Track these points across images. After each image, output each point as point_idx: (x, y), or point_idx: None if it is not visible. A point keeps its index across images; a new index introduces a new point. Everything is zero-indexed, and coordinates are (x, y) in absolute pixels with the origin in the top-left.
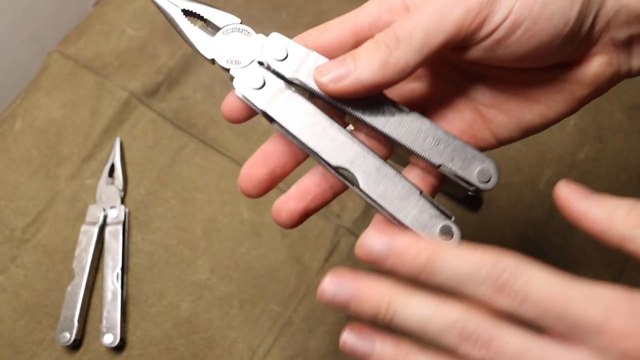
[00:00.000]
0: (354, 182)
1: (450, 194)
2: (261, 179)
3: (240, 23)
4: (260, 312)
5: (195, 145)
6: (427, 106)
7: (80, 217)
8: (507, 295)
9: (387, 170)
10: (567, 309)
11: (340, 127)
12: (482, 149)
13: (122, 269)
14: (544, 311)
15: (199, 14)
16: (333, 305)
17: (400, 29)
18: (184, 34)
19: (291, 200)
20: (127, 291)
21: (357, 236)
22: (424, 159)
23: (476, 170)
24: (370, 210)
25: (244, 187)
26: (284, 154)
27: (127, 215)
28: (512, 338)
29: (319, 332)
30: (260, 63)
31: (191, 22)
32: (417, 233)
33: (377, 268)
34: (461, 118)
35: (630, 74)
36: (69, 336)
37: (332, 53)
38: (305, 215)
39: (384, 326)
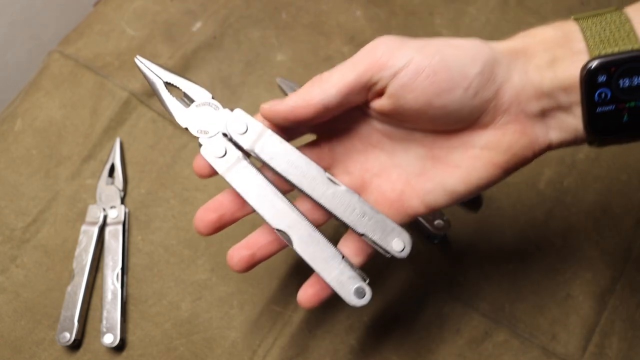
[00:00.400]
0: (290, 243)
1: None
2: (211, 221)
3: (212, 98)
4: (260, 312)
5: (195, 145)
6: (366, 178)
7: (80, 217)
8: None
9: (318, 236)
10: None
11: (284, 197)
12: (413, 216)
13: (122, 269)
14: None
15: (178, 86)
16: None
17: (326, 72)
18: (164, 102)
19: (242, 248)
20: (127, 291)
21: None
22: (351, 228)
23: (393, 241)
24: None
25: (197, 226)
26: (233, 205)
27: (127, 215)
28: None
29: (319, 332)
30: (224, 134)
31: (170, 93)
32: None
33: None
34: (393, 189)
35: (551, 147)
36: (69, 336)
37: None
38: (253, 262)
39: None
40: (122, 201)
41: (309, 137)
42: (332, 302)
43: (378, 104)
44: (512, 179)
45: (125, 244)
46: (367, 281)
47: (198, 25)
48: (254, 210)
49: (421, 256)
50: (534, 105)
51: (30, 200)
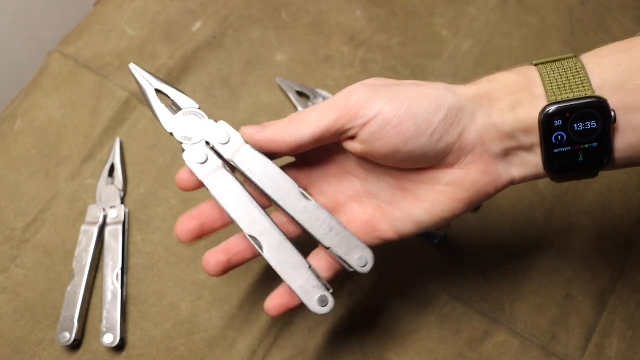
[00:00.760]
0: (261, 248)
1: None
2: (192, 229)
3: (199, 108)
4: (260, 312)
5: None
6: (340, 200)
7: (80, 217)
8: None
9: (287, 245)
10: None
11: (258, 205)
12: (383, 240)
13: (122, 269)
14: None
15: (167, 95)
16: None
17: (303, 112)
18: (153, 108)
19: (219, 253)
20: (127, 291)
21: None
22: (318, 241)
23: (356, 257)
24: None
25: (178, 233)
26: (213, 214)
27: (127, 215)
28: None
29: (319, 332)
30: (207, 143)
31: (160, 100)
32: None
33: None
34: (364, 212)
35: (513, 182)
36: (69, 336)
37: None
38: (228, 267)
39: None
40: (122, 201)
41: (289, 158)
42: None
43: (350, 146)
44: None
45: (125, 244)
46: (331, 291)
47: (198, 25)
48: (232, 220)
49: (421, 256)
50: (497, 145)
51: (30, 200)
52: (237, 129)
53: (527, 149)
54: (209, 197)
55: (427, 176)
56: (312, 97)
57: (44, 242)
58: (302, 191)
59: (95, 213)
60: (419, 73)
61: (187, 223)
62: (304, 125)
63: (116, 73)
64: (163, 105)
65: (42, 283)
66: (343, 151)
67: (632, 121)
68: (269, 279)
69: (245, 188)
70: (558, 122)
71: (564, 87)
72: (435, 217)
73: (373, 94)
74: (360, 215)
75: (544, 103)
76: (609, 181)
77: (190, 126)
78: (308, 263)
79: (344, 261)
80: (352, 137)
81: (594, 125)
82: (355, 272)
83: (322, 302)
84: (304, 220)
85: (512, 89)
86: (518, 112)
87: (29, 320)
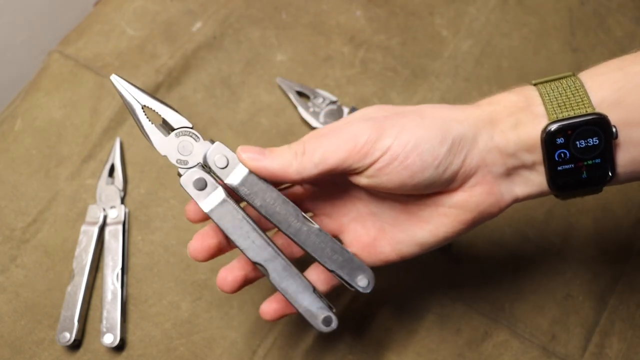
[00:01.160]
0: (267, 274)
1: None
2: (210, 245)
3: (192, 128)
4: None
5: None
6: (344, 222)
7: (80, 217)
8: None
9: (291, 270)
10: None
11: (261, 232)
12: (384, 262)
13: (122, 269)
14: None
15: (156, 111)
16: None
17: (309, 144)
18: (142, 128)
19: (235, 269)
20: (127, 291)
21: None
22: (322, 264)
23: (358, 278)
24: None
25: (192, 251)
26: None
27: (127, 215)
28: None
29: (319, 332)
30: (204, 166)
31: (149, 118)
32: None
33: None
34: (367, 234)
35: (517, 200)
36: (68, 336)
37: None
38: (245, 282)
39: None
40: (122, 201)
41: None
42: (332, 302)
43: (355, 180)
44: None
45: (125, 244)
46: (334, 310)
47: (198, 25)
48: (236, 246)
49: (421, 256)
50: (499, 165)
51: (30, 200)
52: (237, 129)
53: (530, 167)
54: None
55: (431, 199)
56: (312, 97)
57: (44, 242)
58: (304, 215)
59: (95, 213)
60: (419, 73)
61: (203, 240)
62: (310, 163)
63: (116, 73)
64: (153, 125)
65: (42, 283)
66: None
67: (632, 136)
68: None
69: (247, 214)
70: (560, 140)
71: (564, 105)
72: (438, 238)
73: (380, 131)
74: (363, 237)
75: (545, 121)
76: None
77: (185, 148)
78: (312, 285)
79: (347, 282)
80: (358, 173)
81: (595, 141)
82: None
83: (327, 322)
84: (308, 245)
85: (512, 109)
86: (519, 131)
87: (29, 320)
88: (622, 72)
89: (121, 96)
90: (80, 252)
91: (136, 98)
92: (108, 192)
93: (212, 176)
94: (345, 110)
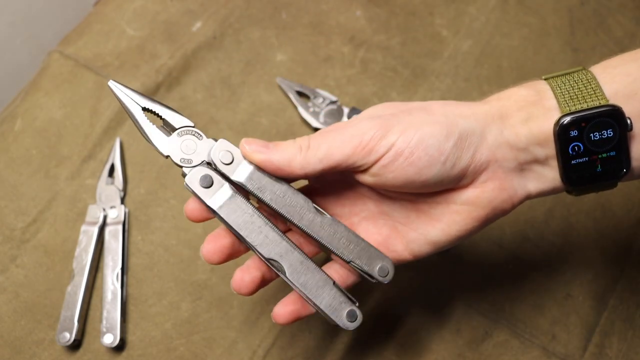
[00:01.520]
0: (282, 272)
1: None
2: (224, 245)
3: (194, 127)
4: (260, 312)
5: None
6: (355, 221)
7: (80, 217)
8: None
9: (309, 264)
10: None
11: (273, 226)
12: (398, 260)
13: (122, 269)
14: None
15: (157, 113)
16: None
17: (314, 140)
18: (142, 130)
19: (251, 268)
20: (127, 291)
21: None
22: (338, 255)
23: (377, 267)
24: None
25: (205, 254)
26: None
27: (127, 215)
28: None
29: (319, 333)
30: (209, 163)
31: (150, 120)
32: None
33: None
34: (379, 232)
35: (530, 196)
36: (68, 336)
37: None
38: (262, 282)
39: None
40: (122, 201)
41: (302, 181)
42: None
43: (361, 178)
44: None
45: (125, 244)
46: (357, 304)
47: (198, 25)
48: (247, 245)
49: None
50: (511, 161)
51: (30, 200)
52: (237, 129)
53: (542, 162)
54: None
55: (442, 197)
56: (312, 97)
57: (44, 242)
58: (316, 206)
59: (95, 213)
60: (419, 73)
61: (216, 242)
62: (314, 158)
63: (116, 73)
64: (154, 126)
65: (42, 283)
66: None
67: None
68: None
69: (257, 209)
70: (574, 133)
71: (577, 97)
72: (450, 236)
73: (386, 129)
74: (375, 236)
75: (557, 115)
76: None
77: (188, 147)
78: (332, 279)
79: (366, 272)
80: (363, 171)
81: (610, 133)
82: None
83: (351, 317)
84: (322, 236)
85: (522, 103)
86: (531, 125)
87: (29, 320)
88: (636, 64)
89: (120, 101)
90: (80, 252)
91: (135, 101)
92: (108, 192)
93: (217, 173)
94: (345, 110)
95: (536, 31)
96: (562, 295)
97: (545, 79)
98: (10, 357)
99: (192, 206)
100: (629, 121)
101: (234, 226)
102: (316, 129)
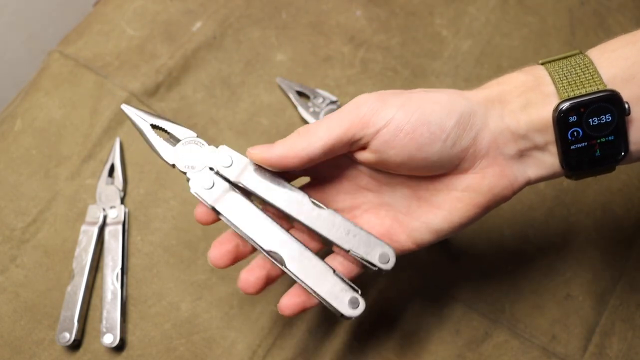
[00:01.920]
0: (282, 263)
1: None
2: (229, 249)
3: (197, 137)
4: (260, 312)
5: None
6: (357, 214)
7: (80, 217)
8: None
9: (308, 254)
10: None
11: (272, 220)
12: (401, 250)
13: (122, 269)
14: None
15: (164, 128)
16: None
17: (312, 124)
18: (151, 143)
19: (256, 268)
20: (127, 291)
21: None
22: (338, 245)
23: (377, 254)
24: None
25: (212, 259)
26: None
27: (127, 216)
28: None
29: (319, 332)
30: (211, 168)
31: (157, 134)
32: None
33: None
34: (381, 224)
35: (529, 183)
36: (68, 336)
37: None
38: (268, 281)
39: None
40: (122, 201)
41: (302, 179)
42: None
43: (362, 156)
44: None
45: (125, 244)
46: (359, 292)
47: (198, 25)
48: (247, 240)
49: (421, 257)
50: (511, 147)
51: (30, 200)
52: (238, 129)
53: (542, 148)
54: None
55: (443, 183)
56: (312, 97)
57: (44, 242)
58: (314, 200)
59: (95, 213)
60: (419, 73)
61: (221, 247)
62: (314, 137)
63: (116, 73)
64: (161, 139)
65: (42, 283)
66: (355, 166)
67: None
68: None
69: (257, 205)
70: (573, 118)
71: (575, 83)
72: (453, 224)
73: (383, 102)
74: (377, 227)
75: (556, 101)
76: (608, 181)
77: (192, 155)
78: (331, 267)
79: (366, 261)
80: (364, 147)
81: (608, 118)
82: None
83: (353, 303)
84: (320, 227)
85: (521, 89)
86: (530, 112)
87: (29, 320)
88: (634, 47)
89: (131, 121)
90: (80, 252)
91: (144, 119)
92: (108, 192)
93: (219, 176)
94: None
95: (536, 31)
96: (562, 295)
97: (542, 64)
98: (10, 357)
99: (200, 210)
100: (627, 105)
101: (234, 222)
102: None
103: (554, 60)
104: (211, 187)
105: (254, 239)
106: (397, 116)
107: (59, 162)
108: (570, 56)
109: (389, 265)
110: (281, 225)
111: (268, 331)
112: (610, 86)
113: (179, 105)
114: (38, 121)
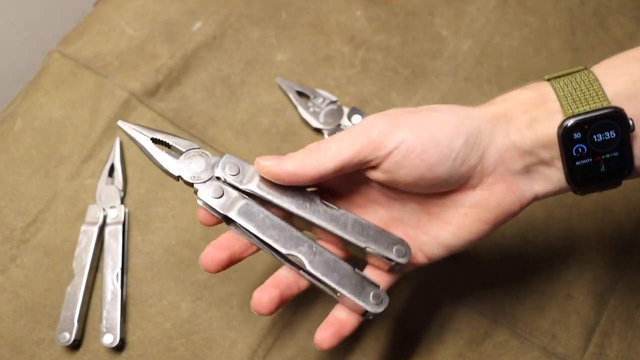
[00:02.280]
0: (301, 266)
1: None
2: (221, 259)
3: (199, 148)
4: None
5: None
6: None
7: (80, 217)
8: None
9: (327, 255)
10: None
11: (287, 223)
12: (414, 264)
13: (122, 269)
14: None
15: (165, 142)
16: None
17: (323, 142)
18: (153, 158)
19: (269, 288)
20: (127, 291)
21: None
22: (353, 243)
23: (394, 249)
24: None
25: (204, 263)
26: (242, 242)
27: (127, 215)
28: None
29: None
30: (218, 178)
31: (159, 148)
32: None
33: None
34: None
35: (537, 197)
36: (68, 336)
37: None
38: (281, 301)
39: None
40: (122, 201)
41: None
42: (332, 302)
43: (373, 175)
44: None
45: (125, 244)
46: (381, 287)
47: (198, 25)
48: (263, 246)
49: None
50: (517, 163)
51: (30, 200)
52: (237, 129)
53: (548, 163)
54: None
55: (451, 199)
56: (312, 97)
57: (44, 242)
58: (325, 202)
59: (95, 213)
60: (419, 73)
61: (216, 253)
62: (325, 156)
63: (116, 73)
64: (163, 152)
65: (42, 283)
66: (366, 180)
67: None
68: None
69: (269, 210)
70: (577, 135)
71: (580, 100)
72: (462, 239)
73: (394, 124)
74: None
75: (561, 117)
76: None
77: (196, 166)
78: (351, 266)
79: (383, 256)
80: (374, 167)
81: (613, 135)
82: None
83: (377, 299)
84: (334, 227)
85: (527, 106)
86: (536, 128)
87: (29, 320)
88: (637, 64)
89: (130, 137)
90: (80, 252)
91: (144, 134)
92: (108, 192)
93: (227, 185)
94: (345, 110)
95: (536, 31)
96: (562, 295)
97: (547, 80)
98: (10, 357)
99: (203, 212)
100: (631, 122)
101: (249, 229)
102: (316, 129)
103: (559, 77)
104: (220, 197)
105: (271, 243)
106: (408, 138)
107: (59, 162)
108: (576, 72)
109: (405, 259)
110: (296, 228)
111: (268, 331)
112: (614, 103)
113: (179, 105)
114: (38, 121)
